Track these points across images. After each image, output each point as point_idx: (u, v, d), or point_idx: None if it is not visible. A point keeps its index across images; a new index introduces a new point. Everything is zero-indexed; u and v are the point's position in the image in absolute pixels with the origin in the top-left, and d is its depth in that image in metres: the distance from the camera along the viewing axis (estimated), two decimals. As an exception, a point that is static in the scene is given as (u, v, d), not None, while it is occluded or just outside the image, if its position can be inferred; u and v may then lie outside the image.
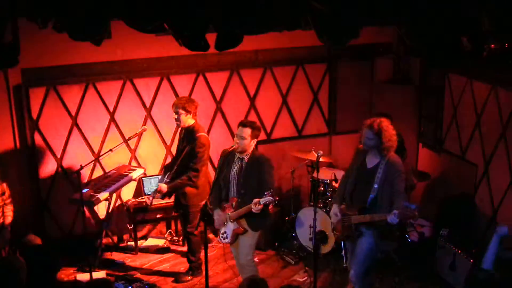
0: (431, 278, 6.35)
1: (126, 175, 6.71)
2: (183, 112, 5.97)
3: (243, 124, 5.37)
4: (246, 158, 5.39)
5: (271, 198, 5.06)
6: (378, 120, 5.11)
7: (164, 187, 6.02)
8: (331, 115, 7.87)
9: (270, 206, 5.16)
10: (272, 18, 4.28)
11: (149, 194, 6.73)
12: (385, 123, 5.12)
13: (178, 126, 6.20)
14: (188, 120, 6.04)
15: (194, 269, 6.39)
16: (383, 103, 7.60)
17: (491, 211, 6.54)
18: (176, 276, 6.39)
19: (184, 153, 6.08)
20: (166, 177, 6.15)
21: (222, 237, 5.56)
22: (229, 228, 5.49)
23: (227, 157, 5.45)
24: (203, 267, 5.67)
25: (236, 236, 5.49)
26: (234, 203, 5.42)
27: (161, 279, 6.39)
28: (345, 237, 5.39)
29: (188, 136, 6.09)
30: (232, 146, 5.34)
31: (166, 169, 6.37)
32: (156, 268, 6.69)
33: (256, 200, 5.12)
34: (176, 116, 6.02)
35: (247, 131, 5.31)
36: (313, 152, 6.67)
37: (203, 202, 5.39)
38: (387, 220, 4.90)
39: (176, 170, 6.10)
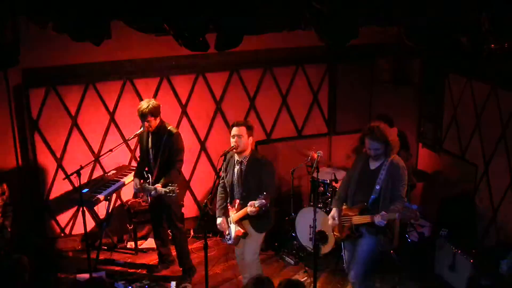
0: (431, 278, 6.36)
1: (126, 176, 6.71)
2: (153, 117, 5.90)
3: (237, 123, 5.40)
4: (245, 161, 5.41)
5: (264, 201, 5.11)
6: (378, 128, 5.08)
7: (160, 188, 5.87)
8: (331, 115, 7.87)
9: (266, 202, 5.15)
10: (272, 18, 4.28)
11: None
12: (383, 126, 5.12)
13: (148, 131, 6.05)
14: (156, 122, 5.99)
15: (189, 270, 6.38)
16: (383, 103, 7.60)
17: (491, 211, 6.53)
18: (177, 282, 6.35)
19: (160, 152, 5.98)
20: (150, 179, 6.05)
21: (226, 238, 5.63)
22: (232, 229, 5.53)
23: (229, 160, 5.47)
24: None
25: (238, 237, 5.52)
26: (236, 205, 5.45)
27: (161, 279, 6.39)
28: (345, 238, 5.39)
29: (159, 135, 6.00)
30: (231, 147, 5.36)
31: (139, 173, 6.22)
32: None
33: (251, 202, 5.19)
34: (147, 124, 5.91)
35: (243, 129, 5.33)
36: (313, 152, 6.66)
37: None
38: (374, 222, 4.94)
39: (158, 170, 6.02)
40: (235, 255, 5.86)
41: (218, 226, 5.65)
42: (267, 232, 5.64)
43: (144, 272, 6.59)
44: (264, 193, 5.13)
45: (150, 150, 6.09)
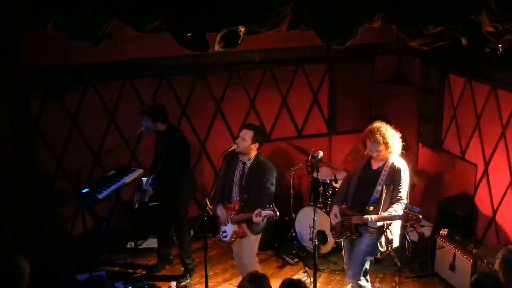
0: (431, 278, 6.36)
1: (126, 176, 6.69)
2: (149, 119, 5.92)
3: (247, 126, 5.41)
4: (248, 163, 5.40)
5: (273, 213, 5.11)
6: (379, 129, 5.07)
7: (150, 189, 5.99)
8: (331, 115, 7.87)
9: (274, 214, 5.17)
10: (272, 18, 4.28)
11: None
12: (386, 127, 5.10)
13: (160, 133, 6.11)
14: (159, 126, 6.00)
15: (190, 270, 6.39)
16: (383, 103, 7.60)
17: (491, 211, 6.53)
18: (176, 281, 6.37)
19: (164, 155, 5.98)
20: (150, 179, 6.09)
21: (222, 235, 5.59)
22: (229, 228, 5.50)
23: (231, 158, 5.47)
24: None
25: (235, 237, 5.50)
26: (236, 206, 5.43)
27: (161, 279, 6.39)
28: (343, 236, 5.39)
29: (167, 139, 6.01)
30: (232, 146, 5.35)
31: (149, 172, 6.30)
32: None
33: (258, 211, 5.16)
34: (144, 124, 5.95)
35: (249, 134, 5.32)
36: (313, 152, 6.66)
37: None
38: (367, 223, 4.95)
39: (158, 173, 6.03)
40: (233, 254, 5.86)
41: (219, 215, 5.50)
42: (266, 232, 5.63)
43: (144, 272, 6.58)
44: (272, 205, 5.13)
45: (159, 152, 6.14)
